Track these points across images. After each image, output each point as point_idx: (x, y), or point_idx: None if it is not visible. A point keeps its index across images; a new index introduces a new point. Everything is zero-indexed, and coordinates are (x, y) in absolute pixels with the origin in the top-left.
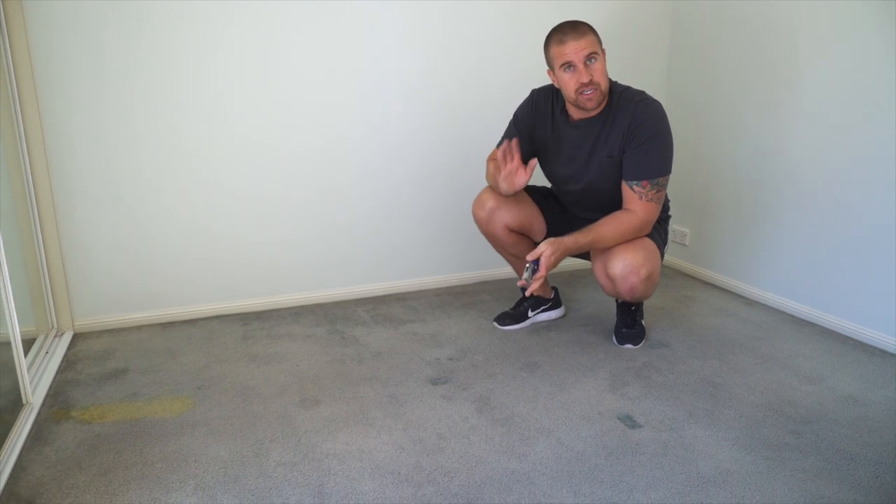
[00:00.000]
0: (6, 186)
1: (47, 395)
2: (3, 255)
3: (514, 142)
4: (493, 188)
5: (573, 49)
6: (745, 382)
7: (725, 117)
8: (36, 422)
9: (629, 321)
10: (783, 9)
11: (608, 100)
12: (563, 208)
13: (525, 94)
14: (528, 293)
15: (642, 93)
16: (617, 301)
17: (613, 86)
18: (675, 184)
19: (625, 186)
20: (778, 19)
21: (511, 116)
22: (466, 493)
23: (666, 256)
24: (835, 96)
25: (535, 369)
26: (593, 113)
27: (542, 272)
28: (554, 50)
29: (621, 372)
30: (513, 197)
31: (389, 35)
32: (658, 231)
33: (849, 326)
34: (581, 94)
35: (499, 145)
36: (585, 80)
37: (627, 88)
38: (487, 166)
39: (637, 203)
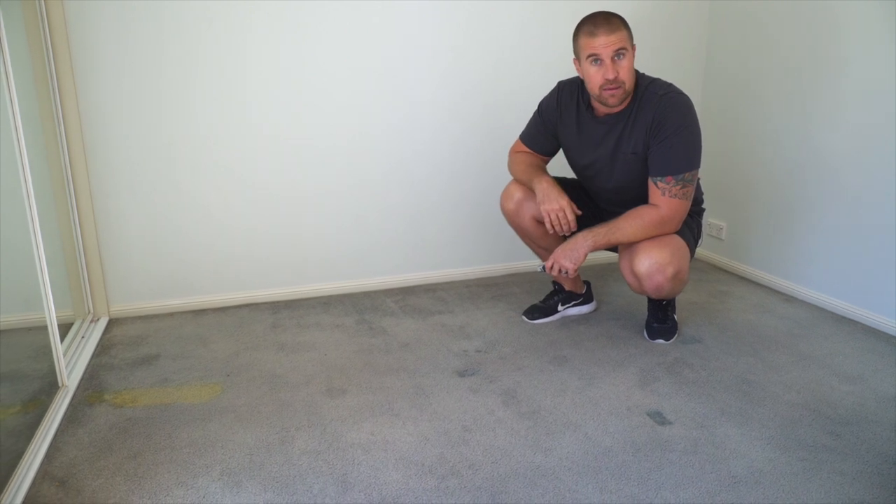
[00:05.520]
0: (46, 176)
1: (82, 379)
2: (42, 243)
3: (572, 218)
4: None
5: (603, 43)
6: (781, 381)
7: (764, 109)
8: (71, 404)
9: (660, 316)
10: (827, 3)
11: (633, 94)
12: (591, 199)
13: (552, 85)
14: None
15: (669, 86)
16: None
17: (640, 79)
18: (712, 177)
19: (650, 182)
20: (822, 12)
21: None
22: (490, 486)
23: (702, 251)
24: (879, 92)
25: (564, 363)
26: (617, 109)
27: (553, 272)
28: (583, 40)
29: (652, 367)
30: (544, 168)
31: (416, 26)
32: (689, 226)
33: (891, 325)
34: (605, 89)
35: (522, 137)
36: (611, 76)
37: (653, 82)
38: (510, 159)
39: (661, 199)
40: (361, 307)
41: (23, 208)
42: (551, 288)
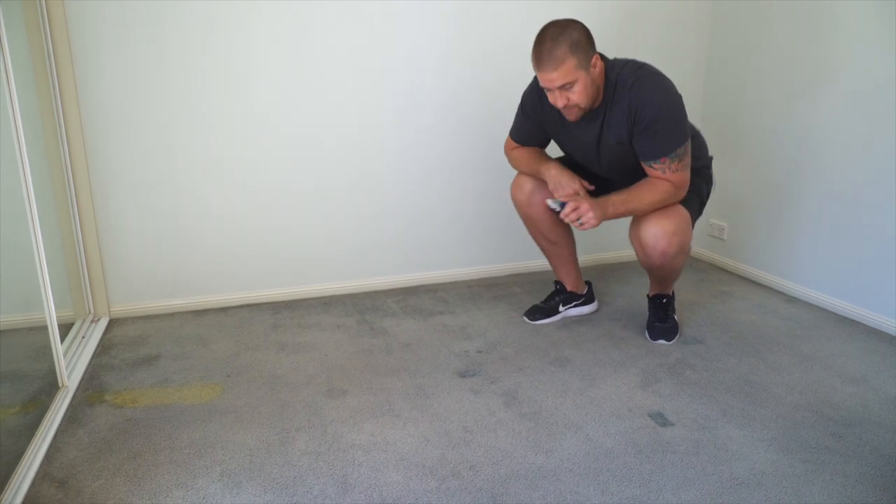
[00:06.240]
0: (46, 176)
1: (82, 379)
2: (42, 243)
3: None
4: (536, 170)
5: (546, 79)
6: (783, 382)
7: (765, 110)
8: (71, 404)
9: (661, 315)
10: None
11: (605, 87)
12: (598, 176)
13: None
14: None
15: (638, 69)
16: (648, 295)
17: (609, 68)
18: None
19: (645, 167)
20: (822, 13)
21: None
22: (491, 487)
23: (703, 251)
24: (879, 92)
25: (565, 364)
26: (597, 104)
27: (570, 217)
28: (533, 64)
29: (653, 368)
30: (545, 155)
31: (418, 26)
32: (696, 186)
33: (893, 325)
34: (562, 109)
35: (511, 134)
36: (560, 105)
37: (623, 68)
38: (509, 157)
39: (663, 177)
40: (362, 307)
41: (23, 208)
42: (553, 288)
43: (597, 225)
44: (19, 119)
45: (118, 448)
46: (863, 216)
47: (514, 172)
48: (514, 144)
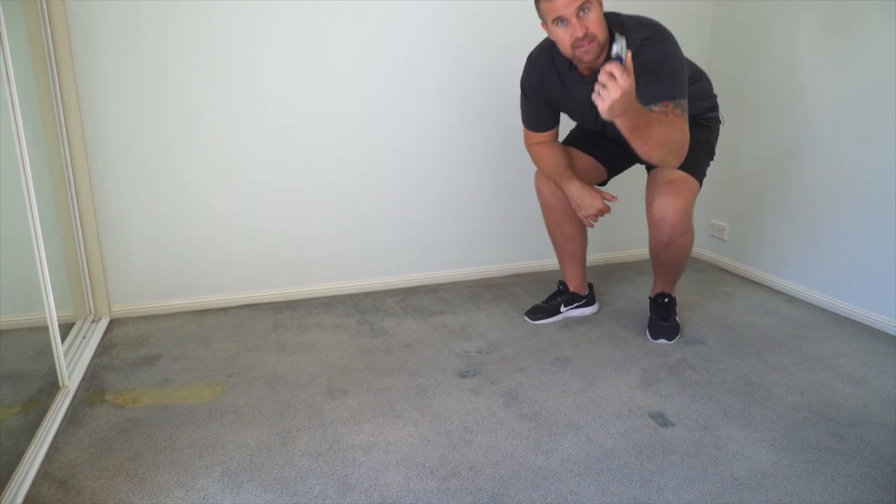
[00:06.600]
0: (47, 175)
1: (83, 379)
2: (43, 243)
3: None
4: (556, 182)
5: (564, 3)
6: (784, 382)
7: (766, 111)
8: (71, 404)
9: (663, 314)
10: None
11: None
12: (614, 143)
13: None
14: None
15: (641, 25)
16: (650, 297)
17: (611, 23)
18: (714, 178)
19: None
20: (823, 13)
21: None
22: (492, 487)
23: (704, 251)
24: (880, 92)
25: (566, 364)
26: (599, 63)
27: (619, 78)
28: (544, 5)
29: (654, 368)
30: (569, 162)
31: (421, 26)
32: (706, 139)
33: (894, 326)
34: (577, 48)
35: (524, 123)
36: (580, 33)
37: (618, 17)
38: (531, 153)
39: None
40: (363, 307)
41: (24, 208)
42: (555, 288)
43: (619, 98)
44: (20, 118)
45: (118, 448)
46: (863, 216)
47: (515, 172)
48: (534, 136)
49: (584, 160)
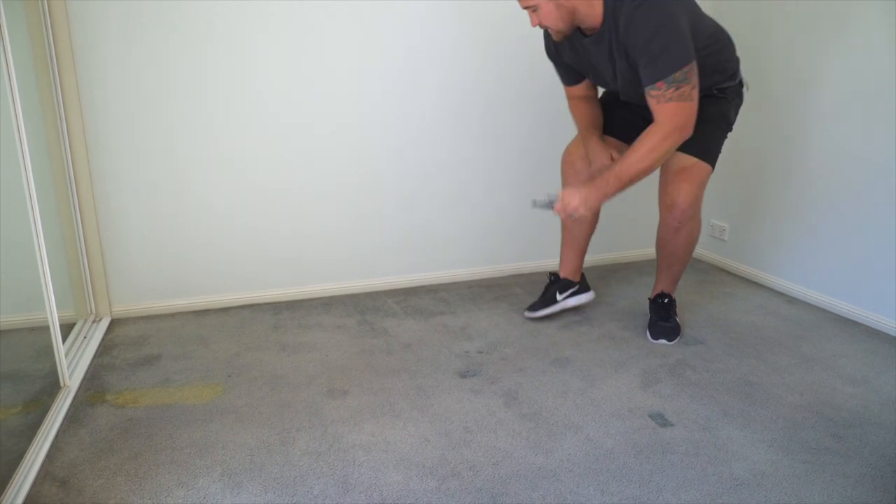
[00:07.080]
0: (48, 175)
1: (84, 379)
2: (44, 243)
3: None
4: (581, 135)
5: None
6: (783, 383)
7: (766, 111)
8: (72, 404)
9: (664, 314)
10: (829, 4)
11: (604, 11)
12: (635, 111)
13: (556, 85)
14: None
15: None
16: (650, 298)
17: None
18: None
19: (646, 95)
20: (823, 13)
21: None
22: (491, 487)
23: (704, 252)
24: (881, 92)
25: (566, 364)
26: (597, 25)
27: (561, 214)
28: None
29: (654, 369)
30: (599, 136)
31: (420, 26)
32: (723, 111)
33: (894, 326)
34: (549, 32)
35: (561, 80)
36: (533, 25)
37: None
38: (569, 107)
39: (658, 107)
40: (363, 308)
41: (25, 208)
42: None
43: (595, 209)
44: (21, 118)
45: (119, 448)
46: (863, 217)
47: (515, 172)
48: (569, 90)
49: (610, 142)
